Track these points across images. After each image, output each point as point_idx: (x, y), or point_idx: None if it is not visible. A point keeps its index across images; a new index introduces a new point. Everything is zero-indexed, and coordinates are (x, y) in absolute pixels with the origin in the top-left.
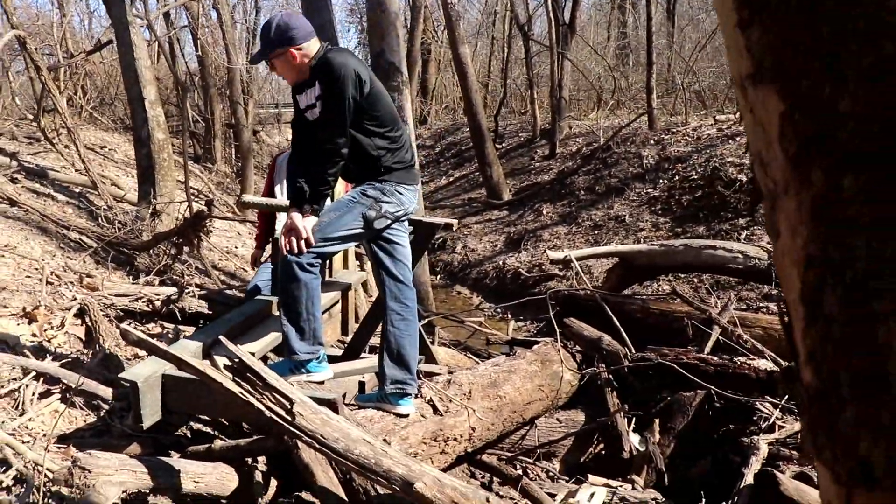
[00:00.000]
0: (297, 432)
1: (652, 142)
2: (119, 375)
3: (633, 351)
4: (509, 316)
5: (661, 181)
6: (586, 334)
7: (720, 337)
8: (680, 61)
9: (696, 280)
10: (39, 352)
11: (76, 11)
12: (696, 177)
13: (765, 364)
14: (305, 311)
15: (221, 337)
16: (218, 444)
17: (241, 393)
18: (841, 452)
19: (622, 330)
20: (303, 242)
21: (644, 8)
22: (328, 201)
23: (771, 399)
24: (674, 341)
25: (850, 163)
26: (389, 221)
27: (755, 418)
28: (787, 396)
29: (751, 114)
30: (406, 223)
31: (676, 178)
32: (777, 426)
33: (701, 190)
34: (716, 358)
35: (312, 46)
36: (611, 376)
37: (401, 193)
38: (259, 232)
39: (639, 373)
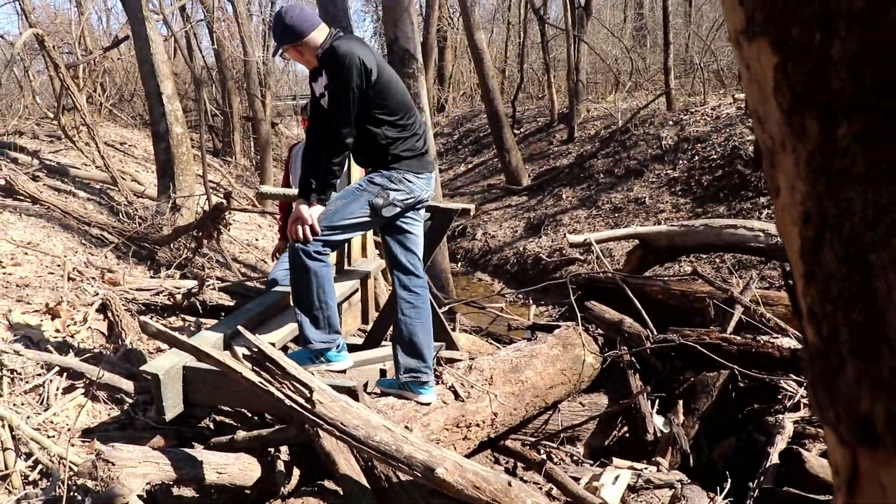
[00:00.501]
0: (318, 420)
1: (670, 123)
2: (140, 368)
3: (655, 333)
4: (530, 301)
5: (680, 162)
6: (607, 317)
7: (743, 316)
8: (697, 41)
9: (717, 260)
10: (63, 347)
11: (94, 9)
12: (715, 156)
13: (788, 342)
14: (318, 299)
15: (240, 327)
16: (240, 434)
17: (260, 382)
18: (843, 411)
19: (643, 312)
20: (308, 230)
21: None
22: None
23: (795, 377)
24: (696, 322)
25: (843, 112)
26: (399, 209)
27: (780, 397)
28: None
29: (747, 70)
30: (421, 212)
31: (696, 158)
32: (802, 404)
33: (721, 170)
34: (738, 337)
35: (318, 36)
36: (633, 358)
37: (410, 181)
38: (281, 223)
39: (661, 354)
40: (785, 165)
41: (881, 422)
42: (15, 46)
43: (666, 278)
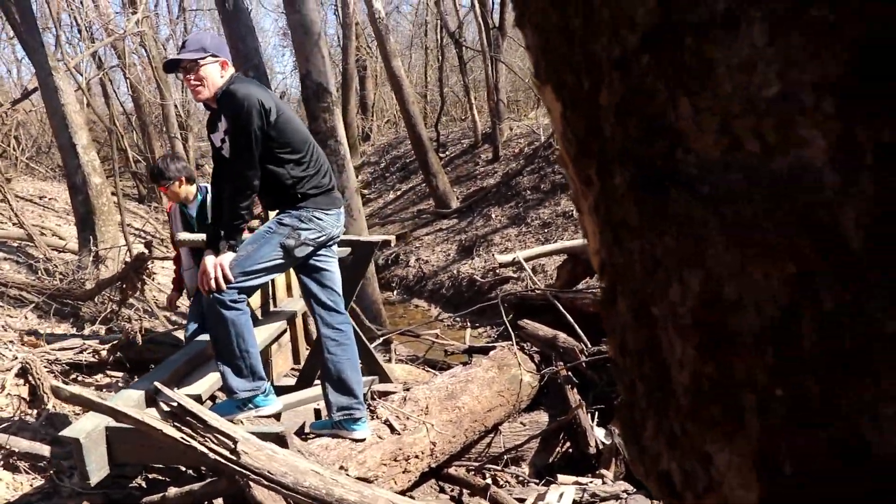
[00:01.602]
0: (244, 471)
1: None
2: (60, 433)
3: (589, 345)
4: (467, 324)
5: None
6: (541, 334)
7: None
8: None
9: None
10: None
11: (2, 61)
12: None
13: None
14: (238, 348)
15: (157, 383)
16: (172, 491)
17: (182, 438)
18: (649, 466)
19: (576, 326)
20: (221, 280)
21: None
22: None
23: None
24: None
25: (616, 161)
26: (311, 248)
27: None
28: None
29: (549, 113)
30: (335, 248)
31: None
32: None
33: None
34: None
35: (226, 71)
36: (570, 373)
37: (320, 219)
38: (176, 275)
39: (597, 366)
40: (584, 212)
41: (679, 480)
42: None
43: (596, 290)
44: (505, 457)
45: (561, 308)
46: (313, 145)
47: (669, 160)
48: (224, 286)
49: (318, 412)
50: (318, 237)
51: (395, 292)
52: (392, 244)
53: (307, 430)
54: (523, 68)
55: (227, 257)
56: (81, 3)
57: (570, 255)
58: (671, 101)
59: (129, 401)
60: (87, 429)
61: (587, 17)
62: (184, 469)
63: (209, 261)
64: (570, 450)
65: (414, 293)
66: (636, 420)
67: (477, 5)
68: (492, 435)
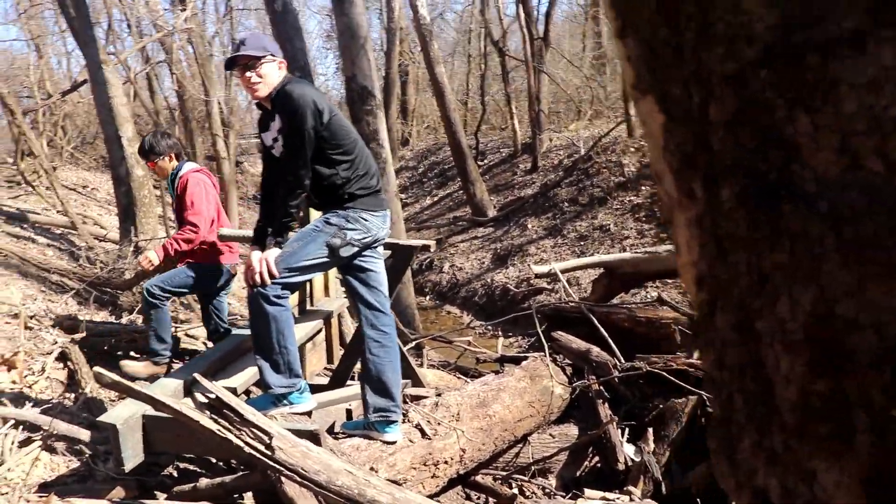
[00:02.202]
0: (278, 466)
1: (632, 149)
2: (98, 419)
3: (623, 361)
4: (499, 333)
5: (643, 188)
6: (574, 347)
7: None
8: None
9: (683, 285)
10: (19, 399)
11: (53, 53)
12: None
13: None
14: (277, 343)
15: (196, 375)
16: (203, 482)
17: (218, 430)
18: (741, 481)
19: (610, 340)
20: (266, 275)
21: None
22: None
23: None
24: (663, 348)
25: (724, 174)
26: (357, 248)
27: None
28: None
29: (644, 123)
30: (380, 249)
31: None
32: None
33: None
34: None
35: (281, 70)
36: (601, 388)
37: (366, 220)
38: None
39: (630, 382)
40: (680, 224)
41: (777, 496)
42: None
43: (631, 305)
44: (532, 468)
45: (595, 322)
46: (362, 147)
47: (784, 174)
48: (269, 281)
49: (349, 412)
50: (364, 238)
51: (427, 297)
52: (432, 249)
53: (336, 429)
54: (565, 79)
55: (273, 253)
56: None
57: (606, 269)
58: (789, 116)
59: (167, 390)
60: (125, 416)
61: (701, 31)
62: (215, 461)
63: (255, 256)
64: (599, 465)
65: (447, 299)
66: (732, 434)
67: (522, 15)
68: (520, 445)
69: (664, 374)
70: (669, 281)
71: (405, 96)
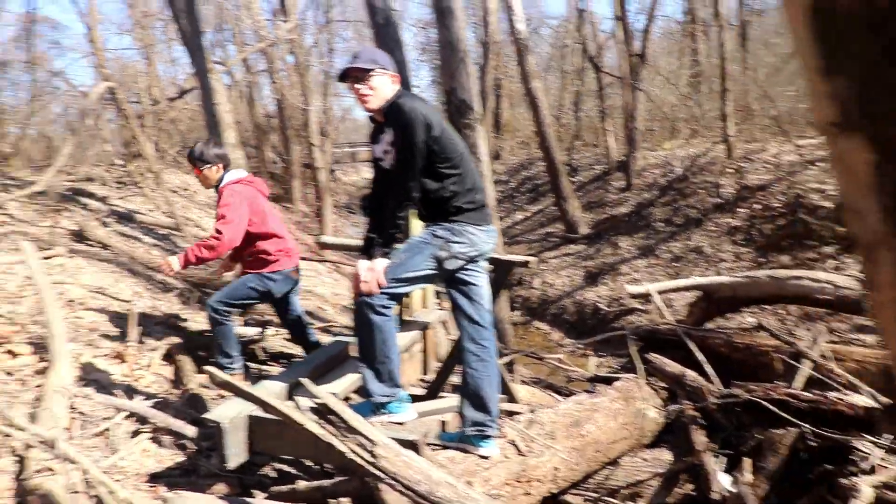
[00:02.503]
0: (380, 474)
1: (730, 170)
2: (205, 416)
3: (719, 387)
4: (589, 352)
5: (741, 210)
6: (669, 370)
7: (811, 371)
8: (755, 87)
9: (782, 312)
10: (129, 392)
11: (160, 60)
12: (777, 205)
13: (862, 400)
14: (380, 353)
15: (303, 379)
16: (301, 484)
17: (323, 434)
18: None
19: (706, 365)
20: (374, 284)
21: (716, 34)
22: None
23: (870, 438)
24: (761, 376)
25: None
26: (462, 262)
27: (854, 458)
28: (893, 437)
29: (840, 161)
30: (484, 263)
31: (757, 206)
32: (880, 467)
33: (784, 218)
34: (807, 393)
35: (394, 84)
36: (696, 413)
37: (472, 234)
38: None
39: (726, 410)
40: (885, 264)
41: None
42: (90, 98)
43: (729, 331)
44: (623, 491)
45: (692, 346)
46: (469, 161)
47: None
48: (376, 290)
49: (443, 424)
50: (469, 251)
51: (517, 313)
52: (531, 265)
53: (431, 440)
54: (661, 97)
55: (381, 263)
56: (240, 9)
57: (703, 292)
58: None
59: (271, 392)
60: (231, 415)
61: None
62: (311, 464)
63: (363, 265)
64: (692, 493)
65: (536, 315)
66: None
67: (619, 32)
68: (612, 467)
69: (764, 402)
70: (768, 307)
71: (498, 110)
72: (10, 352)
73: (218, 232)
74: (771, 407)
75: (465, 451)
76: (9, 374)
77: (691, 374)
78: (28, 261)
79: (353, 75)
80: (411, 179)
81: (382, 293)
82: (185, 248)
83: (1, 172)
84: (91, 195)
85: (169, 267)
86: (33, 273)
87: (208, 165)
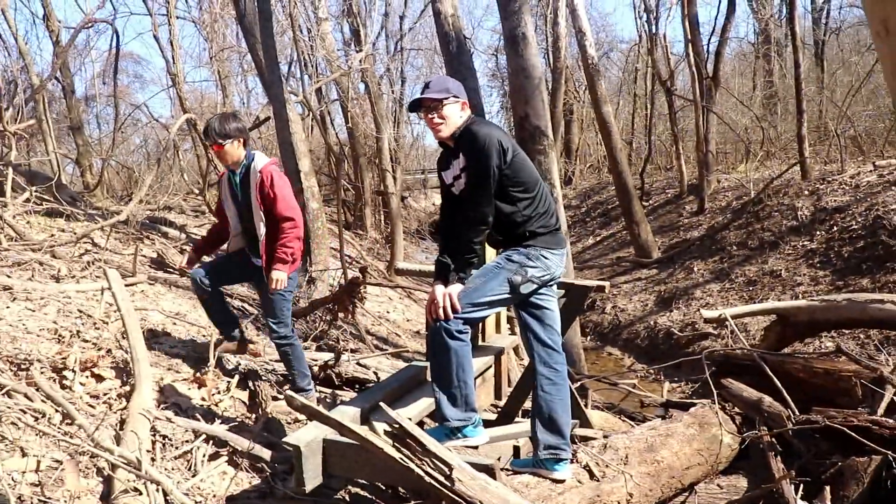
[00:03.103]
0: (457, 498)
1: (806, 192)
2: (283, 440)
3: (797, 413)
4: (662, 377)
5: (818, 233)
6: (745, 395)
7: (894, 397)
8: (832, 107)
9: (862, 336)
10: (208, 415)
11: (236, 91)
12: (856, 227)
13: None
14: (456, 377)
15: (382, 403)
16: None
17: (401, 458)
18: None
19: (784, 390)
20: (449, 310)
21: (790, 55)
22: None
23: None
24: (841, 402)
25: None
26: (536, 286)
27: None
28: None
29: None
30: (555, 287)
31: (835, 229)
32: None
33: (863, 240)
34: (891, 420)
35: (465, 111)
36: (774, 440)
37: (546, 258)
38: (201, 241)
39: (804, 436)
40: None
41: None
42: (171, 130)
43: (807, 355)
44: None
45: (768, 371)
46: (543, 186)
47: None
48: (451, 316)
49: (517, 449)
50: (543, 276)
51: (588, 338)
52: (607, 290)
53: (503, 465)
54: (734, 119)
55: (456, 288)
56: (314, 41)
57: (779, 316)
58: None
59: (346, 416)
60: (307, 438)
61: None
62: (384, 487)
63: (439, 290)
64: None
65: (608, 340)
66: None
67: (691, 55)
68: (686, 494)
69: (845, 429)
70: (847, 332)
71: (569, 135)
72: (96, 376)
73: (291, 220)
74: (853, 434)
75: (539, 476)
76: (95, 397)
77: (768, 400)
78: (112, 287)
79: (426, 105)
80: (485, 204)
81: (457, 318)
82: (275, 258)
83: (86, 203)
84: (170, 223)
85: (281, 283)
86: (117, 299)
87: (230, 140)
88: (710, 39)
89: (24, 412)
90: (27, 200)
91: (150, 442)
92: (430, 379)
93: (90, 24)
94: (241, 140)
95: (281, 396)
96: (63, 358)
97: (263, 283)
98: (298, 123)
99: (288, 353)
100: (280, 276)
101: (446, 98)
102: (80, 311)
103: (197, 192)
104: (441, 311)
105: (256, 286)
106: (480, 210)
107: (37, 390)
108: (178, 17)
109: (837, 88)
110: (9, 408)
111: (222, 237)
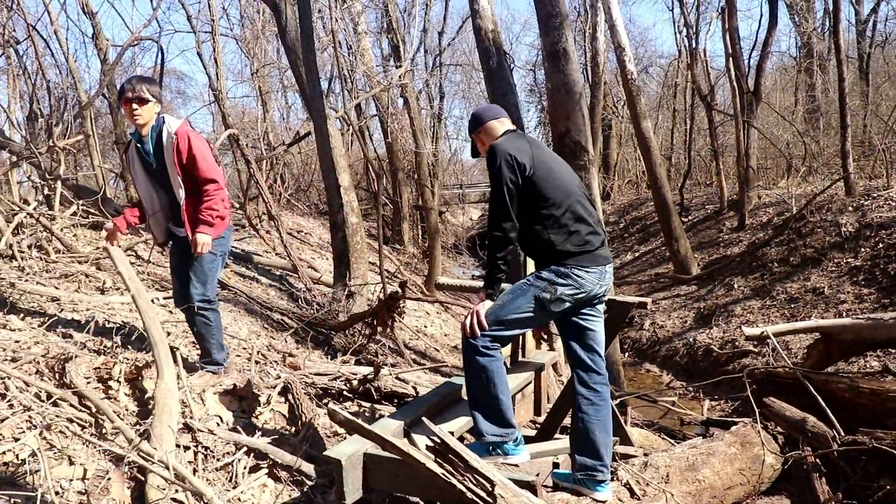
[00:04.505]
0: None
1: (850, 208)
2: (324, 453)
3: (842, 433)
4: (701, 395)
5: (862, 250)
6: (789, 415)
7: None
8: (877, 121)
9: None
10: (249, 428)
11: (276, 106)
12: None
13: None
14: (489, 394)
15: (424, 419)
16: None
17: (443, 474)
18: None
19: (828, 410)
20: (476, 327)
21: (833, 69)
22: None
23: None
24: (889, 424)
25: None
26: (568, 304)
27: None
28: None
29: None
30: (600, 307)
31: (880, 245)
32: None
33: None
34: None
35: (498, 126)
36: (818, 461)
37: (578, 275)
38: (126, 216)
39: (850, 458)
40: None
41: None
42: (214, 146)
43: (852, 375)
44: None
45: (812, 390)
46: (578, 201)
47: None
48: (478, 333)
49: (556, 465)
50: (576, 294)
51: (626, 354)
52: (649, 307)
53: (545, 481)
54: (776, 134)
55: (484, 306)
56: (354, 57)
57: (823, 334)
58: None
59: (386, 431)
60: (348, 452)
61: None
62: (427, 502)
63: (480, 305)
64: None
65: (646, 357)
66: None
67: (732, 69)
68: None
69: (893, 451)
70: (893, 351)
71: (607, 150)
72: (139, 387)
73: (215, 182)
74: None
75: (580, 494)
76: (142, 405)
77: (812, 420)
78: (117, 266)
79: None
80: (504, 220)
81: (485, 335)
82: (200, 220)
83: None
84: None
85: (205, 246)
86: (124, 278)
87: (154, 101)
88: (751, 53)
89: (72, 420)
90: (74, 214)
91: (190, 452)
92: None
93: (136, 42)
94: (160, 105)
95: (325, 409)
96: (108, 369)
97: (188, 251)
98: (338, 138)
99: (209, 320)
100: (205, 240)
101: (475, 132)
102: (125, 322)
103: (237, 206)
104: (468, 329)
105: (183, 256)
106: (500, 226)
107: (81, 401)
108: (221, 35)
109: (883, 102)
110: (57, 416)
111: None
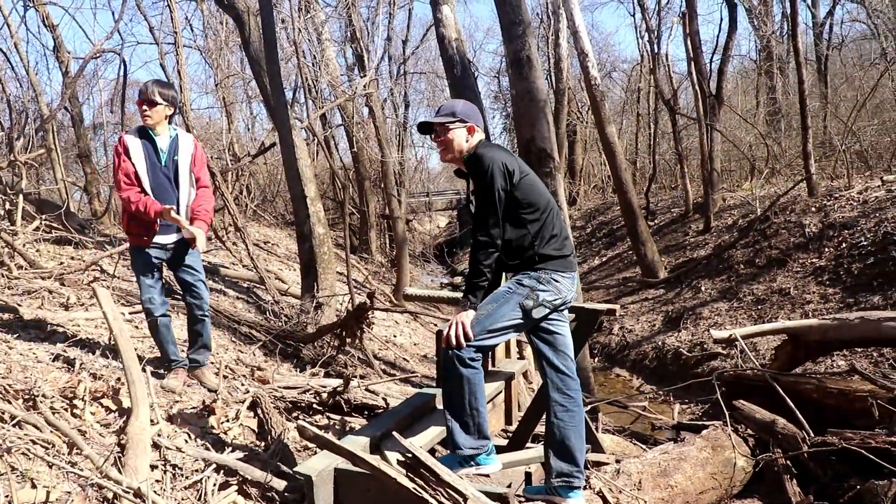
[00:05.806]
0: None
1: (813, 209)
2: (294, 469)
3: (812, 434)
4: (672, 398)
5: (826, 250)
6: (759, 417)
7: None
8: (837, 122)
9: (875, 355)
10: (218, 444)
11: (241, 117)
12: (865, 243)
13: None
14: (469, 405)
15: (395, 433)
16: None
17: (414, 488)
18: None
19: (797, 411)
20: (462, 337)
21: (792, 71)
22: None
23: None
24: (858, 423)
25: None
26: (548, 310)
27: None
28: None
29: None
30: (566, 312)
31: (843, 245)
32: None
33: (872, 257)
34: None
35: (476, 135)
36: (789, 462)
37: (557, 281)
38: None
39: (821, 459)
40: None
41: None
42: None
43: (820, 375)
44: None
45: (781, 391)
46: (554, 209)
47: None
48: (464, 343)
49: (528, 475)
50: (555, 299)
51: (596, 359)
52: (618, 314)
53: (515, 491)
54: (739, 137)
55: (469, 316)
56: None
57: (790, 335)
58: None
59: (356, 445)
60: (319, 467)
61: None
62: None
63: (459, 315)
64: None
65: (615, 362)
66: None
67: (694, 73)
68: None
69: (862, 451)
70: (859, 350)
71: (572, 156)
72: (106, 406)
73: (210, 186)
74: (871, 456)
75: (553, 503)
76: (106, 426)
77: (782, 422)
78: (103, 306)
79: (434, 128)
80: (492, 227)
81: (470, 346)
82: (200, 220)
83: (94, 230)
84: None
85: (203, 242)
86: (108, 319)
87: (174, 107)
88: (712, 57)
89: (34, 442)
90: (37, 228)
91: (158, 471)
92: (441, 406)
93: (99, 55)
94: (172, 108)
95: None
96: (73, 387)
97: (182, 251)
98: (304, 149)
99: (208, 319)
100: (201, 237)
101: (451, 122)
102: (90, 339)
103: None
104: (452, 340)
105: (177, 257)
106: (488, 233)
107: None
108: (184, 46)
109: (842, 103)
110: (19, 438)
111: None
